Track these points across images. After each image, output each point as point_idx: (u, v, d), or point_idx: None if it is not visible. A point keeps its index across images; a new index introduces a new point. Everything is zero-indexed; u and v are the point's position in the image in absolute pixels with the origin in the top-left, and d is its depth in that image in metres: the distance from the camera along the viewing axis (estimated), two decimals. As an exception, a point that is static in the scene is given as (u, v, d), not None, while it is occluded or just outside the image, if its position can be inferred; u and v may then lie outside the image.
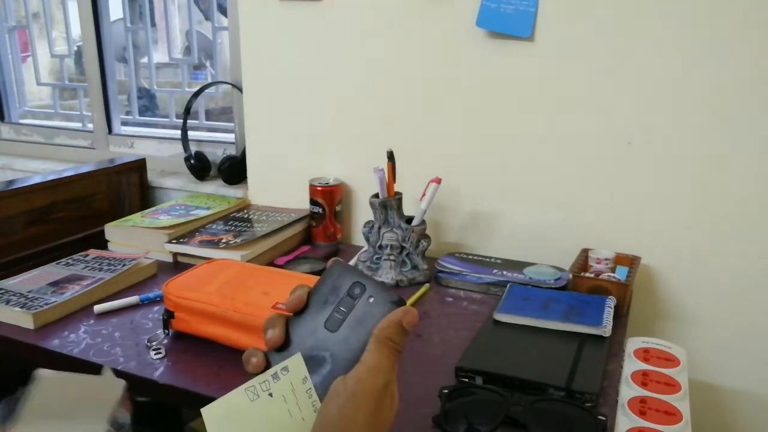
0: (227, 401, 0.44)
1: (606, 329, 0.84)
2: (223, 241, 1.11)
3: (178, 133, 1.49)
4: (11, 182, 1.24)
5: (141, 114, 1.71)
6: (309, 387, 0.45)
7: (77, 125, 1.77)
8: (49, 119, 1.84)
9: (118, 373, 0.78)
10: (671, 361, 0.80)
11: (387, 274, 1.06)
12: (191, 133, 1.50)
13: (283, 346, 0.48)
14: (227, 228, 1.18)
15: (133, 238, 1.16)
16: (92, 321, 0.90)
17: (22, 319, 0.87)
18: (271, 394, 0.45)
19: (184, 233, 1.16)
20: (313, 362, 0.46)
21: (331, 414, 0.42)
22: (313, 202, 1.25)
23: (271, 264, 1.12)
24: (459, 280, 1.06)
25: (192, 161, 1.44)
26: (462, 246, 1.20)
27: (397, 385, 0.46)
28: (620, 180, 1.06)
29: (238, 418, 0.44)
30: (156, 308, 0.94)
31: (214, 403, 0.44)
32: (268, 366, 0.47)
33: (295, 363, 0.46)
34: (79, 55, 1.76)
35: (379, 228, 1.08)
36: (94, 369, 0.79)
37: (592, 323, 0.84)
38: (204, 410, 0.44)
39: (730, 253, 1.01)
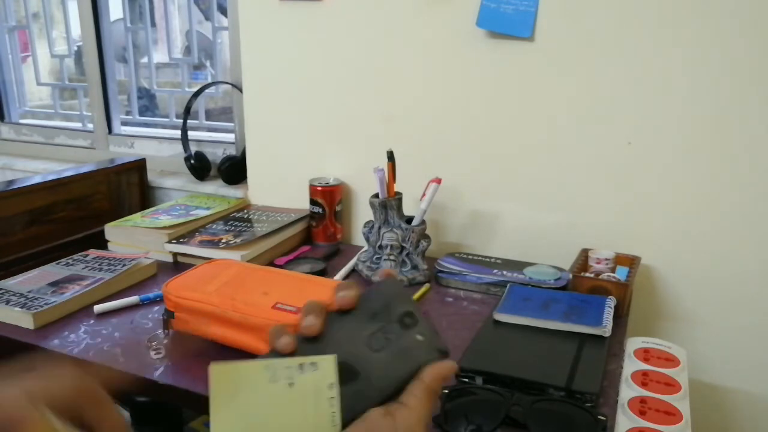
0: (242, 369, 0.41)
1: (606, 329, 0.84)
2: (223, 241, 1.11)
3: (178, 133, 1.49)
4: (11, 182, 1.24)
5: (141, 114, 1.71)
6: (333, 395, 0.41)
7: (77, 125, 1.77)
8: (49, 119, 1.84)
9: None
10: (671, 361, 0.80)
11: (387, 274, 1.05)
12: (191, 133, 1.50)
13: (315, 339, 0.43)
14: (227, 228, 1.18)
15: (133, 238, 1.16)
16: (92, 321, 0.90)
17: (22, 319, 0.87)
18: (291, 384, 0.41)
19: (184, 233, 1.16)
20: (343, 372, 0.42)
21: None
22: (313, 202, 1.25)
23: (271, 264, 1.12)
24: (459, 280, 1.06)
25: (192, 161, 1.44)
26: (462, 246, 1.20)
27: None
28: (620, 180, 1.05)
29: (248, 391, 0.40)
30: (156, 308, 0.94)
31: (227, 365, 0.40)
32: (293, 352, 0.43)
33: (326, 363, 0.41)
34: (79, 55, 1.76)
35: (379, 228, 1.08)
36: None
37: (592, 323, 0.84)
38: (214, 367, 0.40)
39: (730, 253, 1.01)
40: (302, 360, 0.41)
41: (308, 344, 0.43)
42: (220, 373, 0.40)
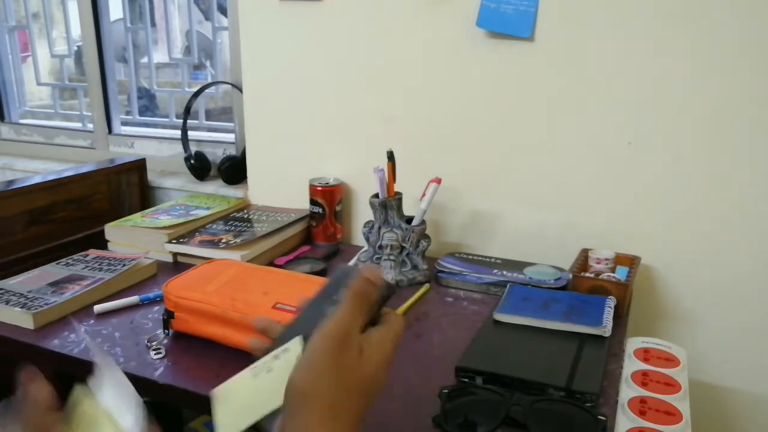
0: (236, 385, 0.50)
1: (606, 329, 0.84)
2: (223, 241, 1.11)
3: (178, 133, 1.49)
4: (11, 182, 1.24)
5: (141, 114, 1.71)
6: None
7: (77, 125, 1.77)
8: (49, 119, 1.84)
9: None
10: (671, 361, 0.80)
11: (387, 274, 1.06)
12: (191, 133, 1.50)
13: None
14: (227, 228, 1.18)
15: (133, 238, 1.16)
16: (92, 321, 0.90)
17: (22, 319, 0.87)
18: (270, 371, 0.49)
19: (184, 233, 1.16)
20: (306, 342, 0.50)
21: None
22: (313, 202, 1.25)
23: (271, 264, 1.12)
24: (459, 280, 1.06)
25: (192, 161, 1.44)
26: (462, 246, 1.20)
27: (374, 347, 0.48)
28: (620, 180, 1.05)
29: (242, 395, 0.49)
30: (156, 308, 0.94)
31: (223, 387, 0.50)
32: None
33: (293, 345, 0.49)
34: (79, 55, 1.76)
35: (379, 228, 1.08)
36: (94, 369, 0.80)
37: (592, 323, 0.84)
38: (216, 393, 0.50)
39: (730, 253, 1.01)
40: (276, 352, 0.50)
41: (288, 332, 0.52)
42: (221, 397, 0.49)
